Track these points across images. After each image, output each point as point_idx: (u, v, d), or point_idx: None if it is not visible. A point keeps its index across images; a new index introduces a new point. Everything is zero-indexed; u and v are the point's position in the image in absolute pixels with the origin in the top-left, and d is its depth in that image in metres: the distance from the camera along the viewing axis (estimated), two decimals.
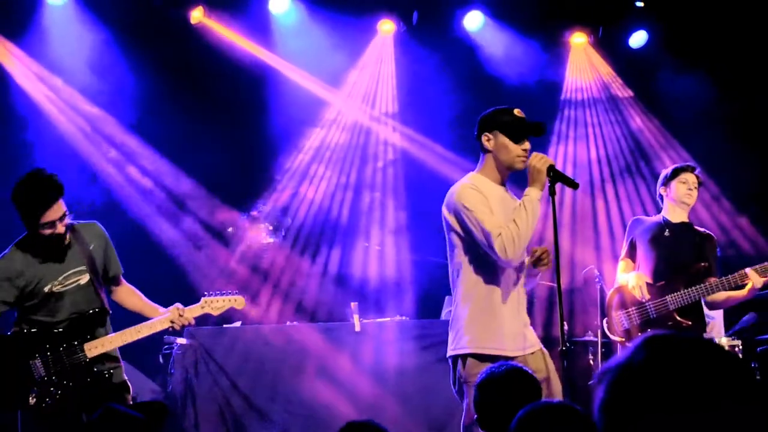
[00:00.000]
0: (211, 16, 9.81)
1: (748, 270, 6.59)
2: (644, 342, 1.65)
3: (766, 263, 6.63)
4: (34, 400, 5.46)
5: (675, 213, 6.88)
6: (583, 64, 10.94)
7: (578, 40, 10.81)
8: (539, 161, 5.04)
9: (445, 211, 5.22)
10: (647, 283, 6.69)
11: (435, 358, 8.15)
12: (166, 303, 5.92)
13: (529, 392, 3.75)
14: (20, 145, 9.21)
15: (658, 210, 7.05)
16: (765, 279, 6.57)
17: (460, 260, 5.19)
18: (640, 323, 6.66)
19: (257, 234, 9.40)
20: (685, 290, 6.63)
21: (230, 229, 9.56)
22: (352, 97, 10.65)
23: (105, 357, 5.66)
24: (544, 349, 5.20)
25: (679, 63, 10.31)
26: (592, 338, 9.05)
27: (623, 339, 6.74)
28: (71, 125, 9.48)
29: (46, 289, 5.57)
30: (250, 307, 9.08)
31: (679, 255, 6.77)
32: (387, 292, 9.98)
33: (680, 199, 6.83)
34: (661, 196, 6.95)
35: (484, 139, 5.19)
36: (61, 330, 5.57)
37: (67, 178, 8.90)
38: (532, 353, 5.16)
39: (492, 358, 4.90)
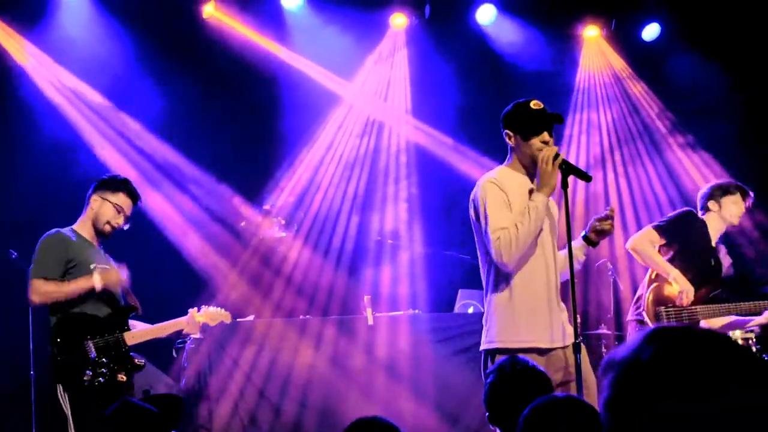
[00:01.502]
0: (223, 10, 9.82)
1: None
2: (650, 336, 1.64)
3: None
4: (89, 378, 5.89)
5: (716, 228, 6.97)
6: (596, 56, 10.91)
7: (591, 32, 10.78)
8: (548, 162, 5.01)
9: (470, 204, 5.25)
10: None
11: (448, 351, 8.17)
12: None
13: (540, 388, 3.75)
14: (31, 140, 9.22)
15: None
16: None
17: (483, 253, 5.21)
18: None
19: (270, 228, 9.40)
20: (716, 305, 6.73)
21: (243, 224, 9.57)
22: (364, 91, 10.64)
23: (136, 348, 6.21)
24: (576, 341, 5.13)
25: (692, 55, 10.28)
26: (605, 331, 9.05)
27: None
28: (83, 119, 9.49)
29: (92, 267, 6.08)
30: (263, 301, 9.10)
31: (712, 270, 6.86)
32: (400, 286, 9.98)
33: (730, 221, 6.96)
34: (705, 205, 7.01)
35: (505, 135, 5.21)
36: (105, 317, 6.08)
37: (77, 171, 9.02)
38: (566, 347, 5.15)
39: (521, 351, 4.85)
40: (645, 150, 10.74)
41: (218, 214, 9.75)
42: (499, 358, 4.96)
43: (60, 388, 5.91)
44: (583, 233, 5.30)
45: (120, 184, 6.33)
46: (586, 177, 5.15)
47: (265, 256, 9.52)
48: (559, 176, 5.08)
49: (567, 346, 5.14)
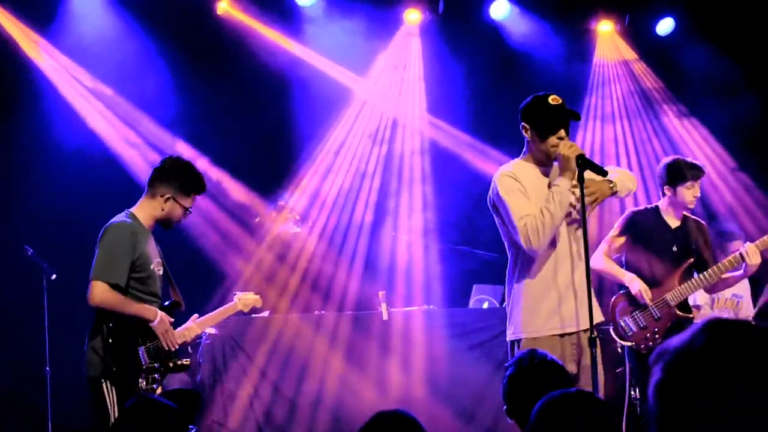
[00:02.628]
0: (237, 7, 9.83)
1: (745, 247, 6.59)
2: (705, 326, 1.65)
3: (766, 237, 6.63)
4: (143, 384, 5.72)
5: (672, 212, 6.89)
6: (610, 51, 10.89)
7: (605, 27, 10.76)
8: (568, 149, 5.05)
9: (488, 199, 5.31)
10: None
11: (463, 346, 8.18)
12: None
13: (558, 381, 3.75)
14: (46, 138, 9.26)
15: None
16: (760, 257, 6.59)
17: (510, 244, 5.30)
18: (645, 324, 6.67)
19: (284, 224, 9.41)
20: (682, 286, 6.67)
21: (257, 219, 9.58)
22: (378, 87, 10.64)
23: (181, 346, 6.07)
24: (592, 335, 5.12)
25: (707, 50, 10.25)
26: None
27: (632, 343, 6.71)
28: (97, 115, 9.52)
29: (152, 266, 5.87)
30: (278, 297, 9.12)
31: (673, 252, 6.78)
32: (415, 281, 9.99)
33: (685, 206, 6.87)
34: (661, 187, 6.93)
35: (522, 128, 5.24)
36: None
37: (94, 168, 9.06)
38: (585, 330, 5.16)
39: (545, 339, 5.06)
40: (660, 145, 10.71)
41: (233, 211, 9.76)
42: (522, 345, 5.03)
43: (107, 386, 5.65)
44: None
45: (193, 187, 5.97)
46: (602, 172, 5.15)
47: (279, 252, 9.53)
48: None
49: (586, 330, 5.15)
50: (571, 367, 5.08)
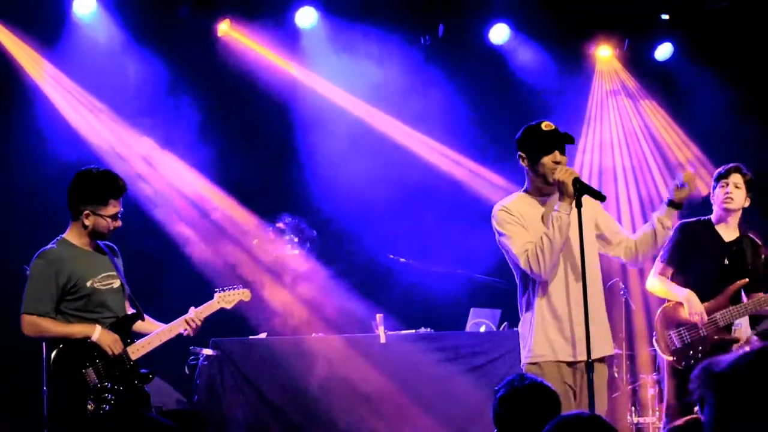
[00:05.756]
0: (238, 29, 9.86)
1: None
2: (757, 351, 1.65)
3: None
4: (92, 407, 5.63)
5: (725, 221, 6.76)
6: (609, 76, 10.93)
7: (604, 52, 10.81)
8: (564, 174, 5.09)
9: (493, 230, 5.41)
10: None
11: (460, 369, 8.18)
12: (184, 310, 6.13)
13: (548, 405, 3.76)
14: (46, 157, 9.26)
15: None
16: None
17: (517, 272, 5.39)
18: (691, 342, 6.59)
19: (282, 246, 9.41)
20: (734, 307, 6.57)
21: (256, 241, 9.58)
22: (378, 110, 10.64)
23: (143, 358, 5.93)
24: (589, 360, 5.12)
25: (705, 75, 10.29)
26: (616, 351, 9.02)
27: (673, 358, 6.63)
28: (93, 131, 9.53)
29: (88, 284, 5.79)
30: (276, 319, 9.10)
31: (727, 269, 6.67)
32: (412, 304, 9.98)
33: (720, 205, 6.73)
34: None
35: (519, 158, 5.30)
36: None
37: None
38: (599, 360, 5.21)
39: (553, 365, 5.15)
40: (658, 170, 10.73)
41: (231, 232, 9.76)
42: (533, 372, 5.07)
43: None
44: (666, 199, 5.36)
45: (105, 193, 5.83)
46: (600, 196, 5.19)
47: (277, 273, 9.52)
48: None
49: (603, 359, 5.22)
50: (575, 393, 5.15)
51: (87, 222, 5.83)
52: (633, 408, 8.93)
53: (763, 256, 6.80)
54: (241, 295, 6.41)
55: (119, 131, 9.62)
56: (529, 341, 5.26)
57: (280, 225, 9.48)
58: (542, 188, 5.31)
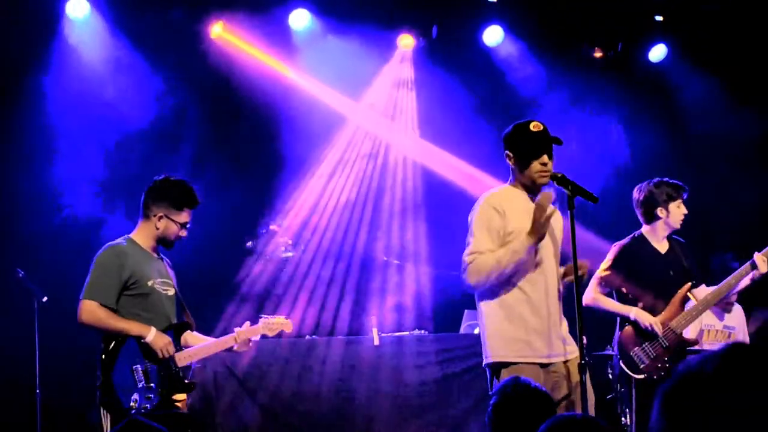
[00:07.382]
0: (232, 31, 9.84)
1: (755, 257, 6.62)
2: (721, 350, 1.64)
3: None
4: (135, 403, 5.72)
5: (661, 235, 6.85)
6: (602, 77, 10.92)
7: (597, 54, 10.80)
8: (542, 213, 5.07)
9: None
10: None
11: (454, 371, 8.17)
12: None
13: (542, 409, 3.76)
14: (44, 169, 9.24)
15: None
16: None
17: None
18: (656, 355, 6.62)
19: (276, 248, 9.41)
20: (686, 311, 6.66)
21: (249, 244, 9.57)
22: (372, 112, 10.65)
23: (187, 368, 6.05)
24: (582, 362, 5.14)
25: (699, 76, 10.30)
26: (610, 352, 9.02)
27: (644, 375, 6.64)
28: (90, 139, 9.52)
29: (149, 284, 5.94)
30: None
31: (668, 280, 6.73)
32: (406, 306, 9.98)
33: (675, 226, 6.83)
34: (650, 212, 6.83)
35: (506, 156, 5.30)
36: None
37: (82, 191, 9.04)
38: (567, 361, 5.21)
39: (521, 365, 5.09)
40: (650, 173, 10.71)
41: (225, 234, 9.73)
42: (503, 374, 5.03)
43: (103, 413, 5.77)
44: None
45: (184, 201, 6.05)
46: (592, 198, 5.19)
47: (271, 276, 9.52)
48: (562, 193, 5.16)
49: (568, 360, 5.20)
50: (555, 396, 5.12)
51: (159, 224, 6.01)
52: (627, 410, 8.92)
53: (690, 254, 6.93)
54: (284, 325, 6.53)
55: (111, 131, 9.58)
56: (493, 339, 5.29)
57: (274, 227, 9.48)
58: (528, 186, 5.32)
